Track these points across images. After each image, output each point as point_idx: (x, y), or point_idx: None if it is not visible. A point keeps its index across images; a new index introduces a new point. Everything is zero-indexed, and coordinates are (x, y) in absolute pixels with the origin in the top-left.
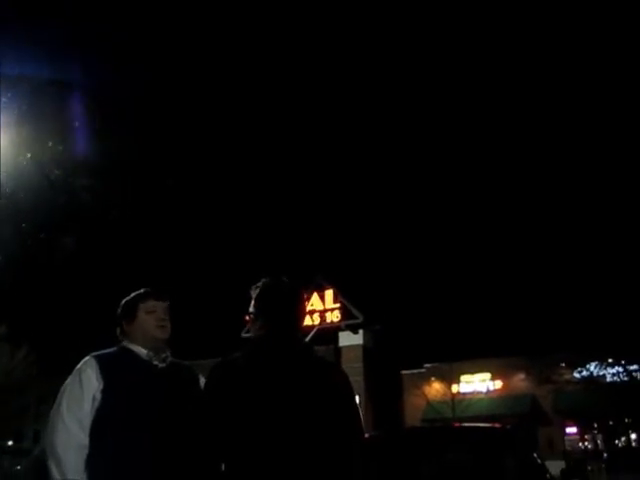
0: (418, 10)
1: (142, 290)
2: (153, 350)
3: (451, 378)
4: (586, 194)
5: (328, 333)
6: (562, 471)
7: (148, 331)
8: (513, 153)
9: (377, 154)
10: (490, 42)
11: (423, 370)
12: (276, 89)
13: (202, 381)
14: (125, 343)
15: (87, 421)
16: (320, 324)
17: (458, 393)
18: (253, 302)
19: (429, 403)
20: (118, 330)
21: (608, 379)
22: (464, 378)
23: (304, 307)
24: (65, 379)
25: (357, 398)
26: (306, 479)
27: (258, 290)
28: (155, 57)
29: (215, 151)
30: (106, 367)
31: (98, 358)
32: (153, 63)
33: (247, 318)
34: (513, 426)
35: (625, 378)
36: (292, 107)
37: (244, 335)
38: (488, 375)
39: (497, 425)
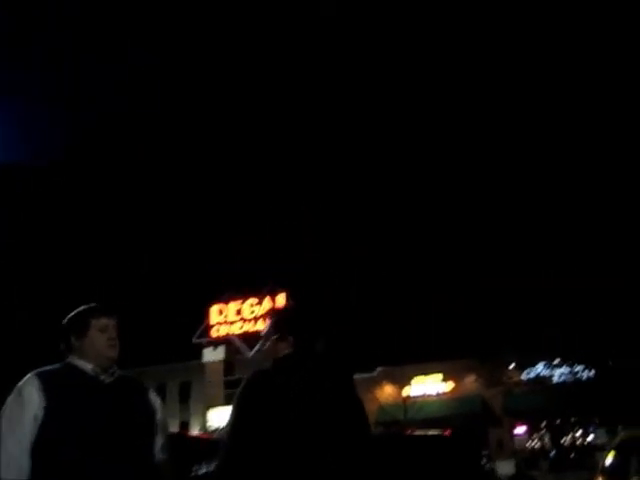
0: (418, 9)
1: (92, 305)
2: (100, 367)
3: (403, 381)
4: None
5: None
6: (511, 477)
7: (99, 350)
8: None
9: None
10: (490, 42)
11: (375, 374)
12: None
13: (151, 393)
14: (70, 359)
15: (27, 442)
16: None
17: (409, 396)
18: (279, 324)
19: (381, 406)
20: (63, 345)
21: (555, 379)
22: (416, 380)
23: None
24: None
25: None
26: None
27: (285, 314)
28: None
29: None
30: (49, 384)
31: (40, 375)
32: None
33: (271, 338)
34: (463, 431)
35: (571, 378)
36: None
37: (195, 341)
38: (439, 377)
39: (446, 433)
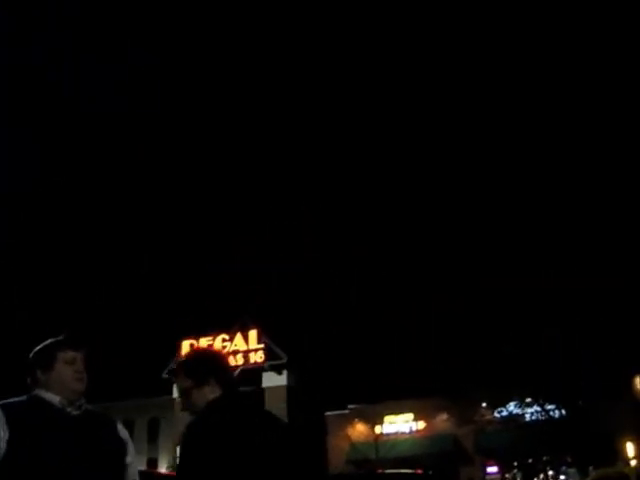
0: (418, 10)
1: (59, 338)
2: (67, 399)
3: (375, 419)
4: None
5: (251, 374)
6: None
7: (66, 383)
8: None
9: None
10: (490, 42)
11: (347, 411)
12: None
13: (119, 427)
14: (37, 391)
15: None
16: (243, 364)
17: (381, 434)
18: (192, 371)
19: (353, 444)
20: (29, 379)
21: (527, 418)
22: (387, 419)
23: None
24: None
25: None
26: None
27: (196, 359)
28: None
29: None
30: (14, 416)
31: (4, 407)
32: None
33: (186, 388)
34: (434, 470)
35: (543, 417)
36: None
37: (165, 376)
38: (411, 416)
39: (418, 471)
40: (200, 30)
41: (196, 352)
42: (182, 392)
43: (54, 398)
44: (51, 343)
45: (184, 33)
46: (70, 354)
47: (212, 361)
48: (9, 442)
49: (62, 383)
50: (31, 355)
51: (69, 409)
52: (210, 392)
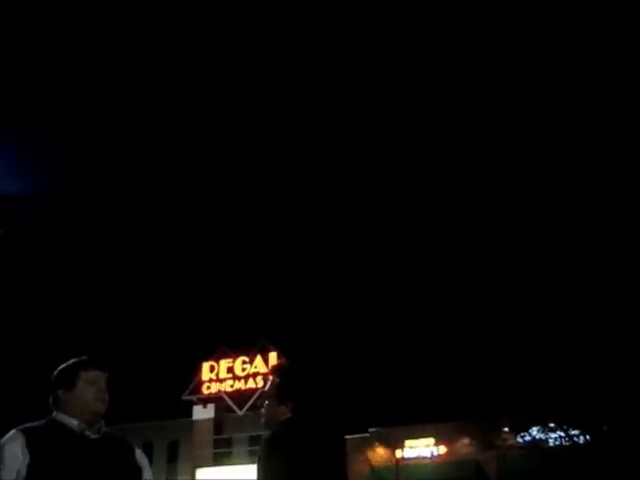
0: (417, 10)
1: (82, 357)
2: (86, 422)
3: (395, 443)
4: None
5: None
6: None
7: (87, 403)
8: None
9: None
10: (490, 42)
11: (367, 435)
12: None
13: (138, 452)
14: (55, 414)
15: None
16: (264, 387)
17: (402, 458)
18: (281, 389)
19: (373, 469)
20: (51, 399)
21: (550, 443)
22: (408, 443)
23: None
24: None
25: None
26: None
27: (289, 378)
28: None
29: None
30: (33, 441)
31: (24, 431)
32: None
33: (270, 401)
34: None
35: (566, 443)
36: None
37: (184, 398)
38: (432, 440)
39: None
40: (197, 30)
41: (292, 372)
42: (265, 398)
43: (72, 422)
44: (74, 362)
45: (182, 33)
46: (93, 373)
47: (300, 386)
48: (29, 466)
49: (83, 403)
50: (54, 374)
51: (88, 433)
52: (285, 412)
